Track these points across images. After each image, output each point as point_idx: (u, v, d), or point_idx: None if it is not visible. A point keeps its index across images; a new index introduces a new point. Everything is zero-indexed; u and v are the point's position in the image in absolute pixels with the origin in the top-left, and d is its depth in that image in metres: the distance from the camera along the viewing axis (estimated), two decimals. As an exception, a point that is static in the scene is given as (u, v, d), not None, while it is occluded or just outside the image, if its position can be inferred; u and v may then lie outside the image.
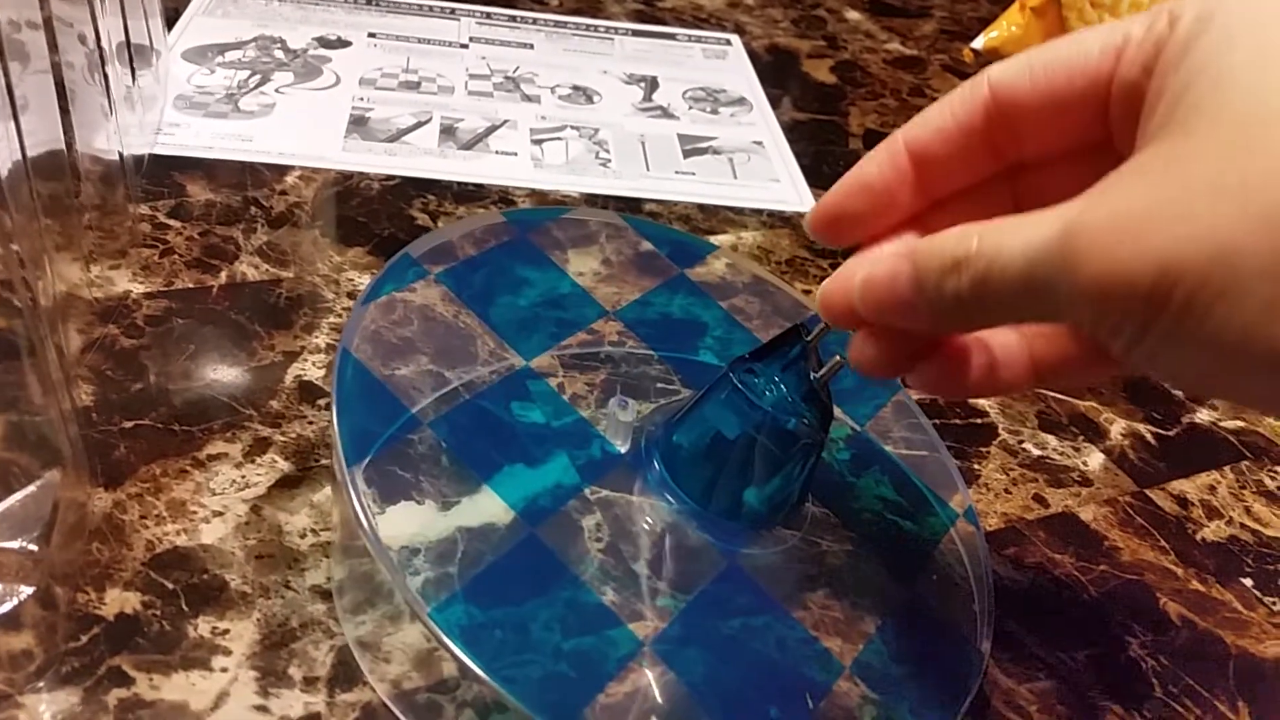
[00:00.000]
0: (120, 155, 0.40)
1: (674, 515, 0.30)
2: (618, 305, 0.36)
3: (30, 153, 0.31)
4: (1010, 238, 0.21)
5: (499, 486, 0.29)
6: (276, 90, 0.52)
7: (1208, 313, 0.18)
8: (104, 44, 0.38)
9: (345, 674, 0.28)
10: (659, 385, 0.34)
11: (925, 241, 0.23)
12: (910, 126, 0.27)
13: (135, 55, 0.44)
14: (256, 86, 0.52)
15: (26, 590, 0.27)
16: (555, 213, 0.39)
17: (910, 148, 0.27)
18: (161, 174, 0.45)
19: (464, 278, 0.35)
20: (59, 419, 0.29)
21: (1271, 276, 0.17)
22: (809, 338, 0.29)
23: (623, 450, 0.31)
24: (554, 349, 0.34)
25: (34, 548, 0.27)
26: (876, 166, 0.27)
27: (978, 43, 0.67)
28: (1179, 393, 0.45)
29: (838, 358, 0.28)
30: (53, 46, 0.33)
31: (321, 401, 0.36)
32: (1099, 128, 0.24)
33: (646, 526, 0.30)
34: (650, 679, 0.26)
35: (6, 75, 0.28)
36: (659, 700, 0.26)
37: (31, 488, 0.28)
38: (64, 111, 0.34)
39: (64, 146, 0.34)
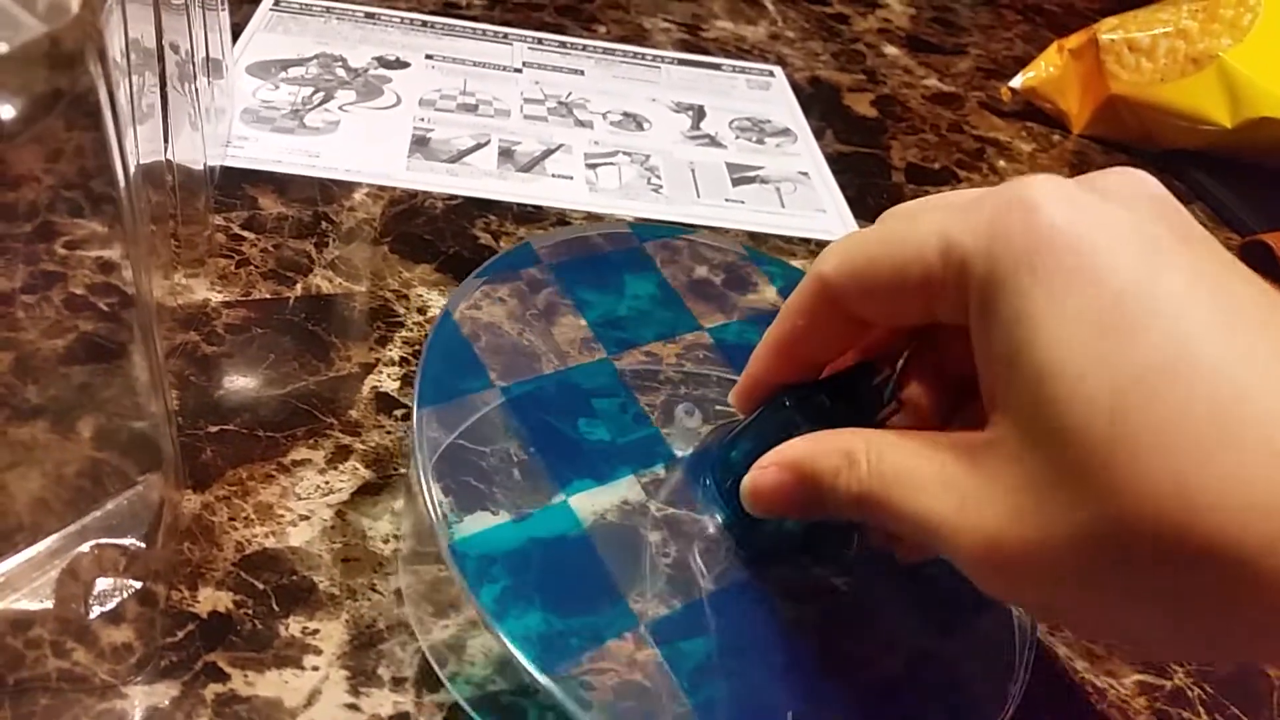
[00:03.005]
0: (205, 165, 0.41)
1: (720, 532, 0.31)
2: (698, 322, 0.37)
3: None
4: (899, 499, 0.23)
5: (569, 500, 0.30)
6: (340, 108, 0.53)
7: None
8: (195, 55, 0.40)
9: (431, 675, 0.29)
10: (718, 408, 0.35)
11: (811, 462, 0.25)
12: (775, 324, 0.28)
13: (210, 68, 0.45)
14: (320, 103, 0.53)
15: (135, 584, 0.28)
16: (679, 231, 0.41)
17: (782, 343, 0.28)
18: (233, 186, 0.46)
19: (568, 276, 0.37)
20: (164, 420, 0.30)
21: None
22: (876, 379, 0.29)
23: (684, 453, 0.32)
24: (621, 356, 0.35)
25: (143, 545, 0.28)
26: (763, 363, 0.29)
27: (1016, 82, 0.69)
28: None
29: (895, 404, 0.29)
30: (160, 57, 0.35)
31: (398, 412, 0.37)
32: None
33: (699, 544, 0.30)
34: (640, 657, 0.27)
35: (131, 86, 0.29)
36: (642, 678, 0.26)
37: (139, 486, 0.29)
38: (164, 120, 0.36)
39: (165, 156, 0.35)
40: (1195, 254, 0.20)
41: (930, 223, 0.23)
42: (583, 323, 0.35)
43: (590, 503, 0.30)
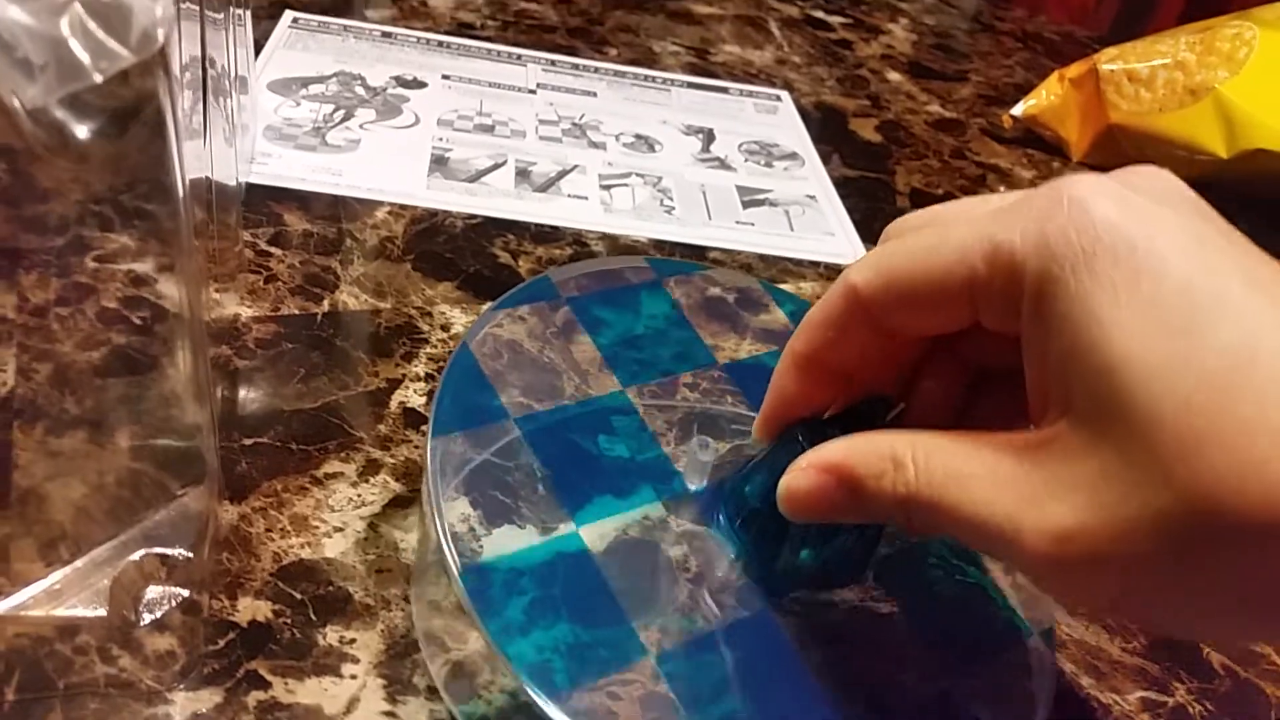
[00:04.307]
0: (237, 181, 0.42)
1: (732, 561, 0.31)
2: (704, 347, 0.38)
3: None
4: (952, 500, 0.23)
5: (591, 515, 0.31)
6: (361, 126, 0.55)
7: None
8: (230, 70, 0.41)
9: (465, 685, 0.30)
10: (734, 427, 0.36)
11: (852, 464, 0.25)
12: (797, 338, 0.28)
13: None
14: (341, 121, 0.54)
15: (183, 593, 0.29)
16: (695, 267, 0.42)
17: (807, 356, 0.28)
18: (258, 202, 0.47)
19: (585, 308, 0.38)
20: (209, 432, 0.31)
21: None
22: (890, 413, 0.30)
23: (696, 487, 0.33)
24: (635, 386, 0.36)
25: (190, 555, 0.29)
26: (789, 380, 0.29)
27: (1017, 109, 0.71)
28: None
29: None
30: (204, 73, 0.35)
31: (425, 427, 0.38)
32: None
33: (715, 572, 0.31)
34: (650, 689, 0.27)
35: (174, 103, 0.30)
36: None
37: (184, 497, 0.30)
38: (206, 136, 0.37)
39: (207, 172, 0.36)
40: (1241, 251, 0.21)
41: (971, 227, 0.23)
42: (598, 356, 0.36)
43: (611, 520, 0.31)
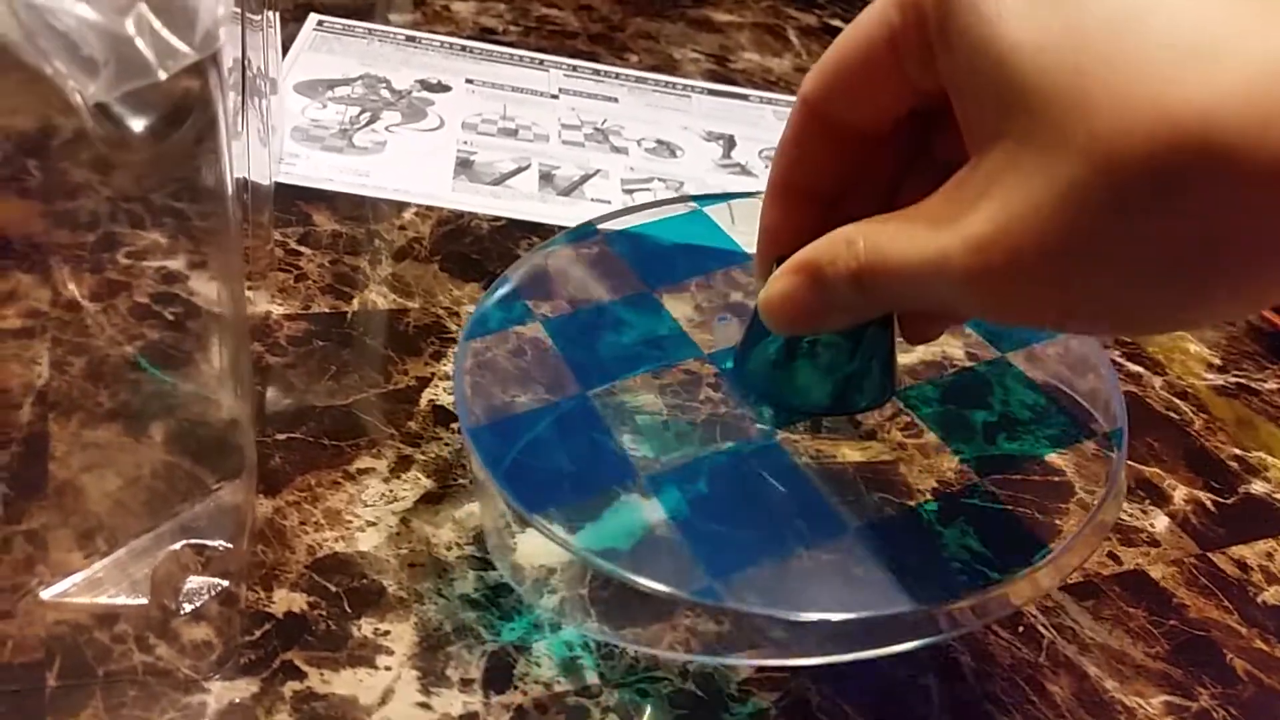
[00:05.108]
0: (270, 180, 0.42)
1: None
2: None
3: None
4: (894, 254, 0.23)
5: (619, 516, 0.32)
6: (387, 129, 0.55)
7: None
8: (264, 71, 0.41)
9: (498, 677, 0.30)
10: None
11: (813, 255, 0.26)
12: (771, 168, 0.29)
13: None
14: (368, 124, 0.55)
15: (222, 584, 0.29)
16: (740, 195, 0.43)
17: (783, 184, 0.29)
18: (287, 202, 0.48)
19: (622, 237, 0.40)
20: (248, 426, 0.31)
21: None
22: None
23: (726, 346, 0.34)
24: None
25: (229, 546, 0.29)
26: (772, 212, 0.29)
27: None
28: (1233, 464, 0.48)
29: None
30: (244, 74, 0.36)
31: (455, 425, 0.38)
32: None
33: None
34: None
35: (224, 102, 0.31)
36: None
37: (221, 490, 0.30)
38: (246, 137, 0.37)
39: (245, 172, 0.36)
40: None
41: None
42: (629, 270, 0.38)
43: (638, 516, 0.32)
